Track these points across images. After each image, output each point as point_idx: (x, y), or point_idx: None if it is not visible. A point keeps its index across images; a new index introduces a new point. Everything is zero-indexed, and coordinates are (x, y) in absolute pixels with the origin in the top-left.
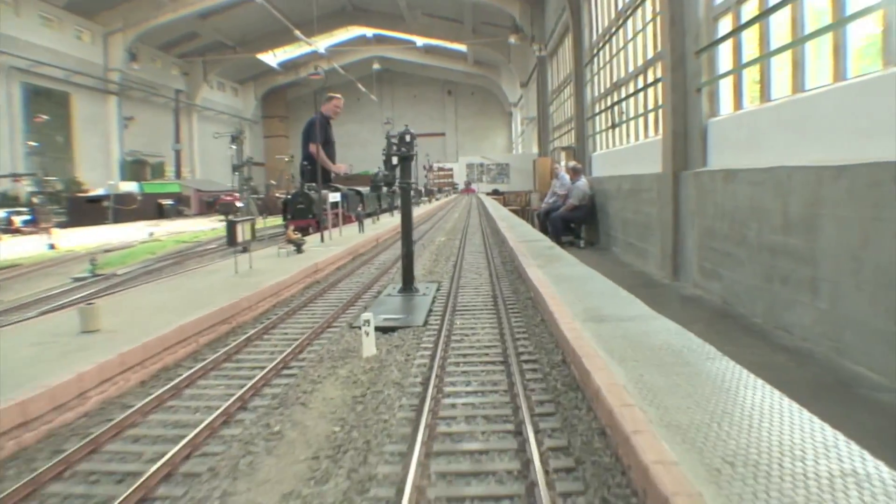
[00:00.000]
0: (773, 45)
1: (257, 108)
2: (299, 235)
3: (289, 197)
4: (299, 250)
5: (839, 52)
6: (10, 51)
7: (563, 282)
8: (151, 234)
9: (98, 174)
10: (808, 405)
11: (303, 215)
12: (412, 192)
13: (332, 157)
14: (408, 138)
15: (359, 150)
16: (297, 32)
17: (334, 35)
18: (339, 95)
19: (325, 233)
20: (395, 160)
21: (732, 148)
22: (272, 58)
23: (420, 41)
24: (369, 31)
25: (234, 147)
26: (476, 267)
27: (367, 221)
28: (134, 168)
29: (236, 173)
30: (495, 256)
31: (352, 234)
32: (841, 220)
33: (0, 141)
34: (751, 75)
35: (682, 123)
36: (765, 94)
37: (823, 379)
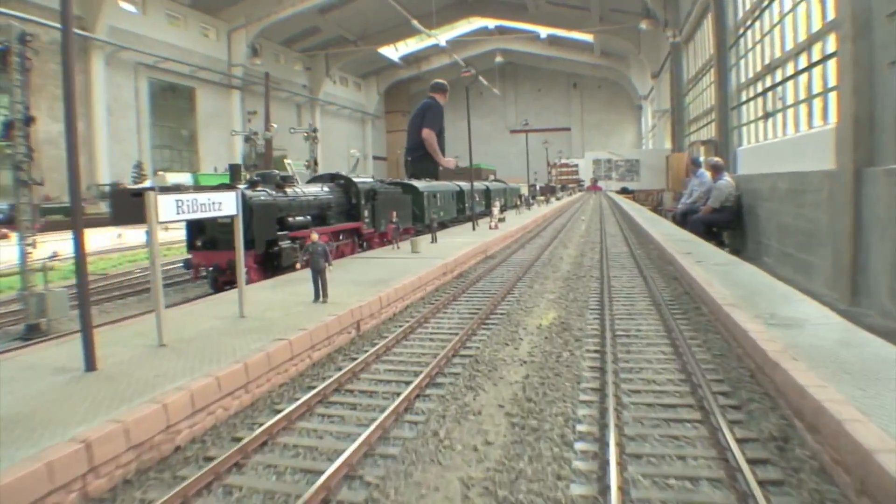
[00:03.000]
0: None
1: (380, 102)
2: None
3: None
4: None
5: None
6: (137, 48)
7: None
8: (53, 256)
9: (221, 167)
10: None
11: (216, 245)
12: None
13: (442, 149)
14: None
15: (480, 145)
16: (417, 24)
17: (455, 27)
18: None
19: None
20: None
21: None
22: (394, 52)
23: (544, 32)
24: (491, 23)
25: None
26: None
27: (419, 241)
28: (258, 161)
29: None
30: None
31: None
32: None
33: (128, 134)
34: None
35: (866, 108)
36: None
37: None
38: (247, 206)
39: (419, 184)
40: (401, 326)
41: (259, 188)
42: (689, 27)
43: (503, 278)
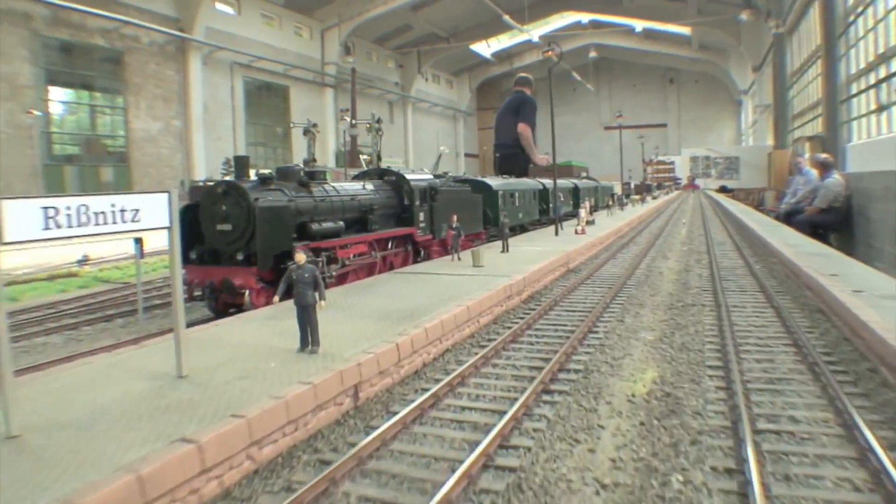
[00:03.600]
0: None
1: (472, 99)
2: None
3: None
4: None
5: None
6: (232, 47)
7: None
8: (84, 259)
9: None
10: None
11: (217, 258)
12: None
13: (535, 145)
14: None
15: (573, 142)
16: (508, 19)
17: (548, 22)
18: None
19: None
20: None
21: None
22: (486, 48)
23: (639, 25)
24: (584, 17)
25: None
26: None
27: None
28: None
29: None
30: None
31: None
32: None
33: (224, 132)
34: None
35: None
36: None
37: None
38: (249, 210)
39: (493, 181)
40: (423, 393)
41: (272, 186)
42: (794, 16)
43: (585, 304)
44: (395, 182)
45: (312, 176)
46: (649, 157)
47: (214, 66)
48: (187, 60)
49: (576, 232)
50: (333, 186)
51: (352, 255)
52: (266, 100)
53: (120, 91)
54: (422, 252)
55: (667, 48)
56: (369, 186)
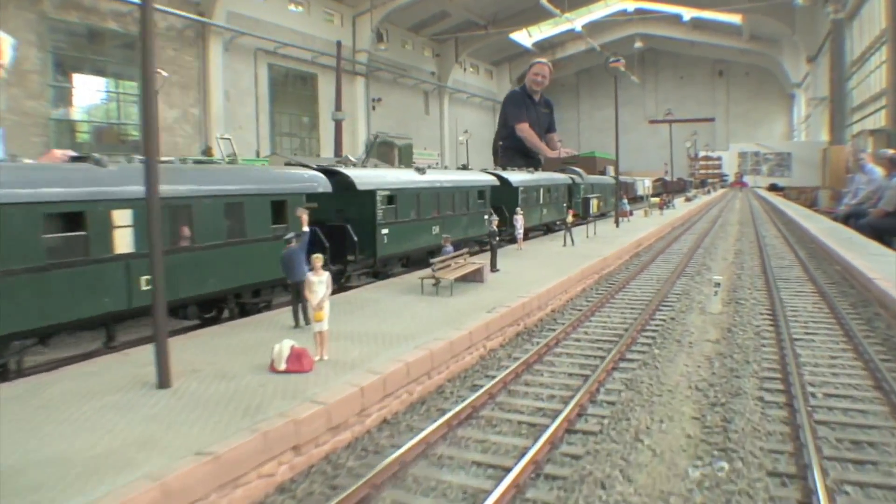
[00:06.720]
0: None
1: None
2: None
3: None
4: None
5: None
6: (256, 33)
7: None
8: None
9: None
10: None
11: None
12: None
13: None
14: None
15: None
16: (547, 4)
17: (592, 11)
18: (543, 60)
19: None
20: None
21: None
22: (526, 37)
23: (687, 14)
24: (630, 5)
25: None
26: None
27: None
28: (381, 150)
29: None
30: None
31: None
32: None
33: (245, 121)
34: None
35: None
36: None
37: None
38: None
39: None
40: None
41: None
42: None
43: None
44: None
45: None
46: (695, 152)
47: (237, 52)
48: (207, 46)
49: (271, 367)
50: None
51: None
52: (293, 88)
53: (133, 77)
54: None
55: (716, 39)
56: None
